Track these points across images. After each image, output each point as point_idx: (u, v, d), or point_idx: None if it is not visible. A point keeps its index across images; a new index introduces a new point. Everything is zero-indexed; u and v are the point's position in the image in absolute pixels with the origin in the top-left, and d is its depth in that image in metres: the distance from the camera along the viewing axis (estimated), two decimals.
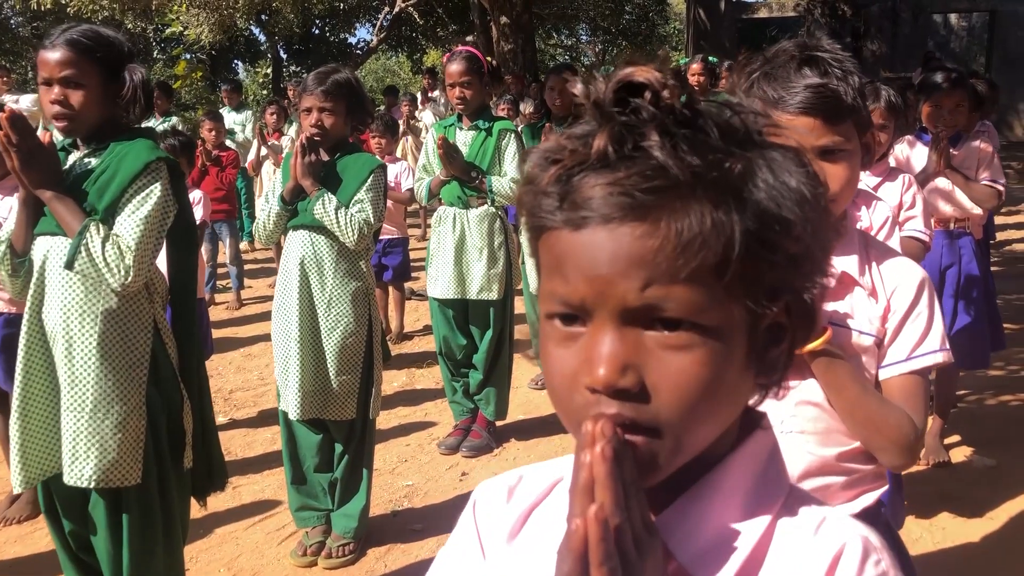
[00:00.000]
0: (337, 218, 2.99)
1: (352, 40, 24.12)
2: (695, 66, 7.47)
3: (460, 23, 20.53)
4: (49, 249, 2.25)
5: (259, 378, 5.46)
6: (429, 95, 12.04)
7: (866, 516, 1.48)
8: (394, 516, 3.55)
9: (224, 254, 7.10)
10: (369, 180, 3.07)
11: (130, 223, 2.19)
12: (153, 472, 2.32)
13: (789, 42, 1.47)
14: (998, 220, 10.01)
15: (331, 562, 3.15)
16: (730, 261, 0.62)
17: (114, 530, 2.31)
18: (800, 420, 1.45)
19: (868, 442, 1.41)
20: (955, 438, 3.99)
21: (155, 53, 25.23)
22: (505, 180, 3.93)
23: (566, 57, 26.02)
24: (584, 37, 25.24)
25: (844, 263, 1.47)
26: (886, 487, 1.53)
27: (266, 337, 6.31)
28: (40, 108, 2.32)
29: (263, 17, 18.47)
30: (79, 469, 2.23)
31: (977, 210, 3.61)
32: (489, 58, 4.04)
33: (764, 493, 0.70)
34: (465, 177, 3.92)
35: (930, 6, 17.32)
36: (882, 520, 1.54)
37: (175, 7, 15.79)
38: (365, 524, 3.24)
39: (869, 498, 1.49)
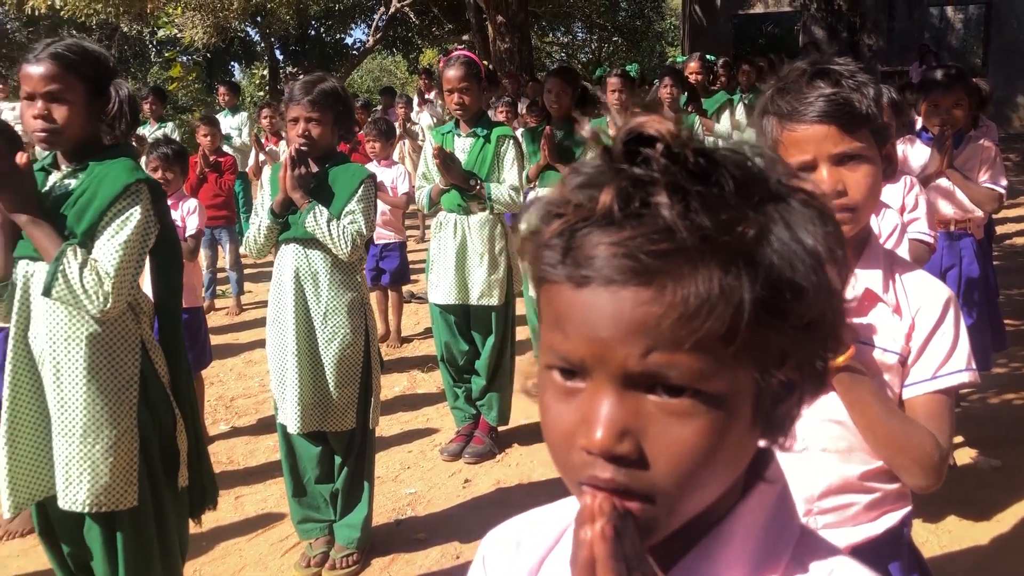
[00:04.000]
0: (329, 230, 2.96)
1: (348, 40, 24.10)
2: (693, 64, 7.46)
3: (456, 21, 20.49)
4: (31, 274, 2.22)
5: (260, 385, 5.44)
6: (426, 96, 11.99)
7: (890, 537, 1.46)
8: (397, 525, 3.53)
9: (224, 259, 7.08)
10: (360, 191, 3.04)
11: (109, 248, 2.16)
12: (147, 494, 2.29)
13: (801, 61, 1.46)
14: (997, 216, 10.00)
15: (335, 573, 3.13)
16: (738, 329, 0.59)
17: (110, 553, 2.29)
18: (823, 438, 1.42)
19: (891, 462, 1.38)
20: (959, 439, 3.96)
21: (151, 56, 25.21)
22: (504, 187, 3.91)
23: (562, 55, 25.96)
24: (580, 34, 25.17)
25: (867, 278, 1.44)
26: (910, 508, 1.50)
27: (261, 343, 6.30)
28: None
29: (258, 19, 18.43)
30: (73, 494, 2.21)
31: (978, 211, 3.58)
32: (486, 62, 4.01)
33: (772, 546, 0.68)
34: (464, 185, 3.89)
35: None
36: (905, 542, 1.52)
37: (170, 9, 15.76)
38: (368, 534, 3.22)
39: (892, 518, 1.46)
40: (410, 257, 6.69)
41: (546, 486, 3.83)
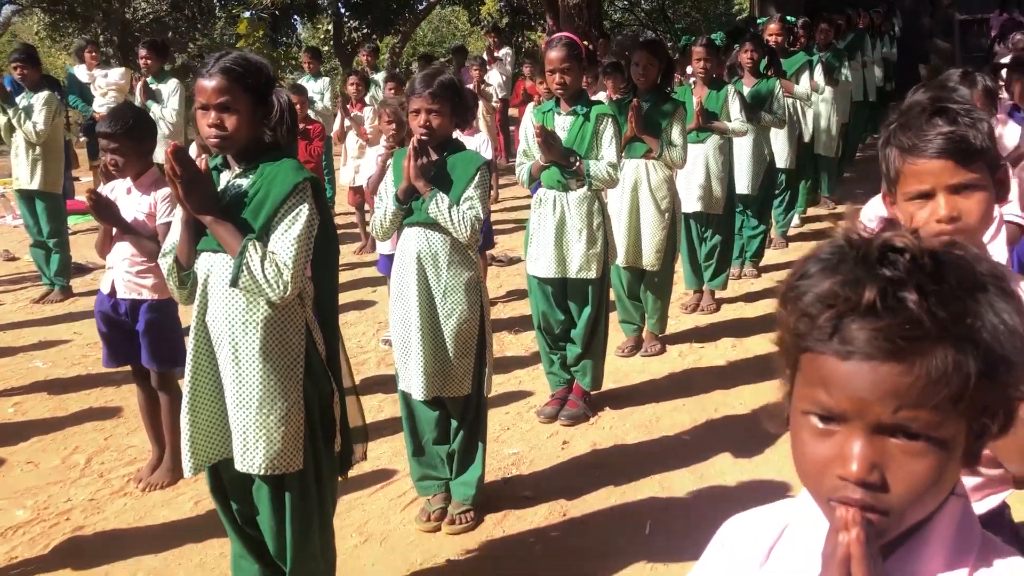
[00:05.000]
0: (451, 216, 3.20)
1: None
2: (773, 26, 7.48)
3: None
4: (212, 264, 2.51)
5: (358, 346, 5.76)
6: (495, 54, 12.10)
7: (991, 517, 1.66)
8: (505, 483, 3.81)
9: None
10: (476, 177, 3.27)
11: (284, 241, 2.42)
12: (311, 457, 2.59)
13: (922, 95, 1.63)
14: None
15: (454, 528, 3.43)
16: (965, 393, 0.81)
17: (277, 510, 2.60)
18: None
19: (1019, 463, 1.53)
20: None
21: (216, 11, 25.55)
22: (603, 164, 4.09)
23: (625, 3, 25.63)
24: None
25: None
26: (1011, 490, 1.69)
27: (358, 305, 6.62)
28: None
29: None
30: (250, 458, 2.51)
31: None
32: (586, 43, 4.17)
33: (962, 546, 0.90)
34: (564, 163, 4.08)
35: None
36: (1007, 522, 1.72)
37: None
38: (482, 492, 3.51)
39: (994, 500, 1.66)
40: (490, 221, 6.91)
41: (639, 448, 4.08)
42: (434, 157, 3.28)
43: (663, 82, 4.97)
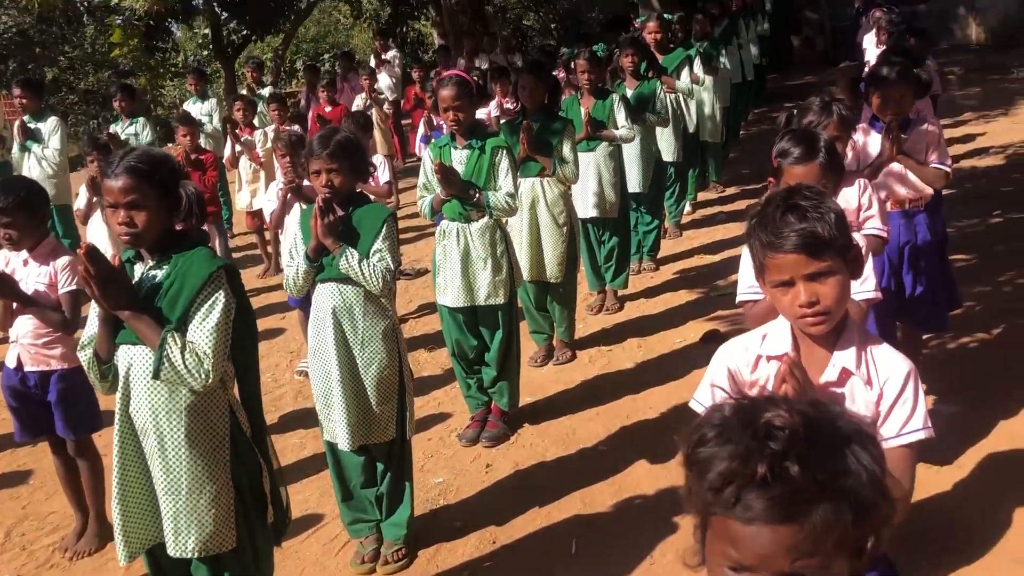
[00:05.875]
0: (362, 270, 3.29)
1: None
2: (651, 24, 7.72)
3: None
4: (132, 357, 2.55)
5: (272, 379, 5.76)
6: (383, 57, 12.07)
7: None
8: (434, 516, 3.94)
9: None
10: (383, 229, 3.37)
11: (202, 331, 2.47)
12: (244, 533, 2.66)
13: (778, 191, 1.83)
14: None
15: (388, 568, 3.54)
16: (846, 538, 1.01)
17: None
18: None
19: None
20: (921, 387, 4.43)
21: (84, 18, 24.47)
22: (501, 194, 4.23)
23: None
24: None
25: (844, 358, 1.85)
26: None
27: (268, 334, 6.60)
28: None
29: None
30: (183, 543, 2.57)
31: (929, 190, 3.99)
32: (475, 76, 4.28)
33: None
34: (464, 196, 4.20)
35: None
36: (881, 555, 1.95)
37: None
38: (413, 529, 3.63)
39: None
40: None
41: (560, 464, 4.26)
42: (340, 213, 3.35)
43: (550, 102, 5.13)
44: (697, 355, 5.11)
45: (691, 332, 5.71)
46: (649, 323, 5.99)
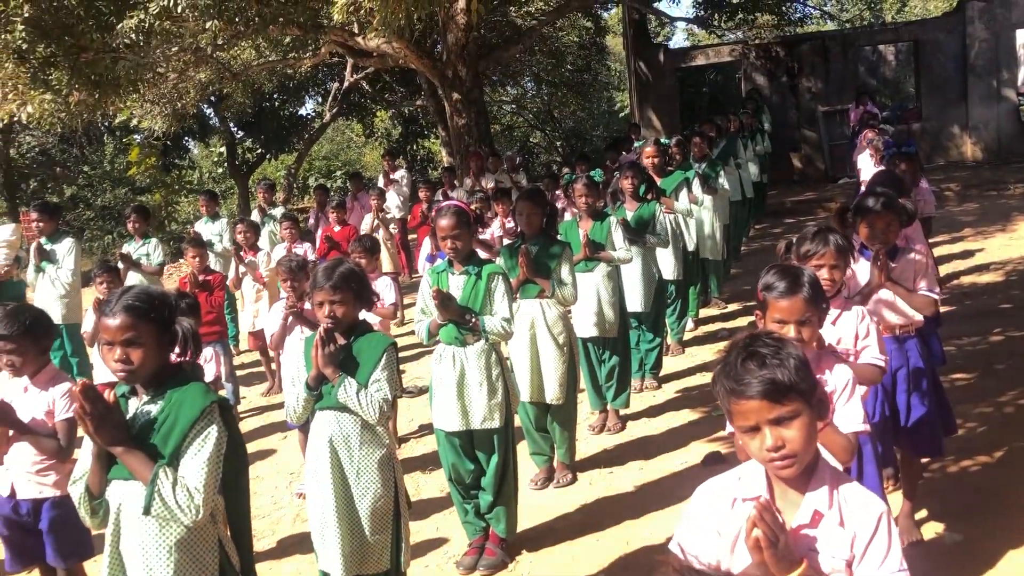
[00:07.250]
0: (359, 400, 3.34)
1: (301, 112, 24.49)
2: (649, 149, 7.95)
3: (408, 85, 21.03)
4: (124, 493, 2.57)
5: (272, 502, 5.71)
6: (391, 176, 12.40)
7: None
8: None
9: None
10: (383, 359, 3.43)
11: (194, 466, 2.50)
12: None
13: (740, 336, 1.89)
14: (942, 251, 10.59)
15: None
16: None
17: None
18: None
19: None
20: (923, 513, 4.37)
21: (104, 137, 25.33)
22: (497, 319, 4.30)
23: (512, 108, 26.55)
24: (529, 84, 25.79)
25: (815, 499, 1.88)
26: None
27: (268, 454, 6.58)
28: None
29: (211, 98, 18.73)
30: None
31: (919, 316, 4.04)
32: (473, 206, 4.41)
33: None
34: (460, 321, 4.28)
35: (857, 40, 18.14)
36: None
37: (129, 102, 15.98)
38: None
39: None
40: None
41: None
42: (341, 343, 3.42)
43: (548, 226, 5.26)
44: (698, 478, 5.02)
45: (694, 453, 5.68)
46: (651, 443, 5.96)
